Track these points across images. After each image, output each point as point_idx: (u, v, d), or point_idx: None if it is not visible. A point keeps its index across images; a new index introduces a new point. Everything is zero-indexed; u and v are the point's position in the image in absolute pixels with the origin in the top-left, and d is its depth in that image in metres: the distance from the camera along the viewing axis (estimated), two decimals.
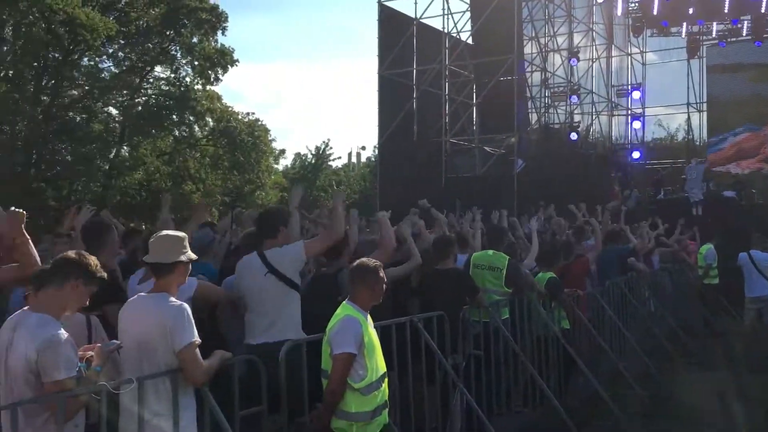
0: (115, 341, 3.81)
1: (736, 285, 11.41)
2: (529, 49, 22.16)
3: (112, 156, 30.44)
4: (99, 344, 3.81)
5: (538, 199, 14.49)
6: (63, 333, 3.56)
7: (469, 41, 21.43)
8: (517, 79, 19.24)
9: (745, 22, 23.39)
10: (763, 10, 22.04)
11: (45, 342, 3.45)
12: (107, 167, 30.07)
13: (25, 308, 3.74)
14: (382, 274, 4.46)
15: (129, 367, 3.93)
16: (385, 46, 20.42)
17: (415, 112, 21.04)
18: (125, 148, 31.26)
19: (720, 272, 12.44)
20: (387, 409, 4.48)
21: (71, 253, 3.87)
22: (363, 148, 55.05)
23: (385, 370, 4.47)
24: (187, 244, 4.18)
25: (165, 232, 4.21)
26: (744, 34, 23.82)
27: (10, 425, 3.34)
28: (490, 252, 7.42)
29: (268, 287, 5.07)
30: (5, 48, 26.55)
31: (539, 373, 7.25)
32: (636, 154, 24.13)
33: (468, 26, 21.24)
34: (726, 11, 22.26)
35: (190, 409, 4.01)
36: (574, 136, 20.64)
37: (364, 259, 4.61)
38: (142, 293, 4.11)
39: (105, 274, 3.84)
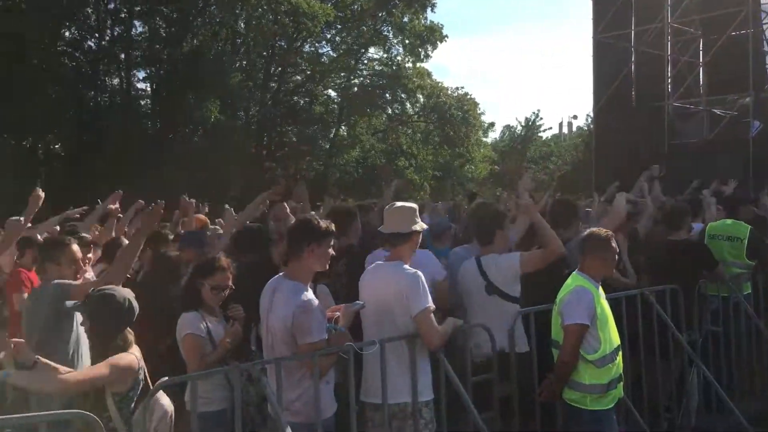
0: (358, 302, 4.09)
1: None
2: None
3: (331, 136, 32.38)
4: (344, 305, 4.12)
5: None
6: (314, 299, 3.91)
7: None
8: (752, 33, 17.37)
9: None
10: None
11: (299, 307, 3.80)
12: (328, 146, 32.05)
13: (281, 274, 4.14)
14: (614, 243, 4.34)
15: (369, 330, 4.22)
16: (599, 8, 19.43)
17: (634, 76, 19.84)
18: (343, 127, 33.07)
19: None
20: (622, 383, 4.37)
21: (299, 220, 4.22)
22: (574, 117, 53.15)
23: (618, 342, 4.36)
24: (418, 214, 4.36)
25: (398, 204, 4.43)
26: None
27: (275, 378, 3.75)
28: (729, 221, 6.86)
29: (487, 303, 4.96)
30: (239, 41, 29.15)
31: None
32: None
33: None
34: None
35: (426, 371, 4.22)
36: None
37: (595, 229, 4.51)
38: (380, 261, 4.37)
39: (333, 228, 4.04)
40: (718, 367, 6.12)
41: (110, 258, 5.43)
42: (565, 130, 51.77)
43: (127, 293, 3.63)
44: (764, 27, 19.74)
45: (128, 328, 3.56)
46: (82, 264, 4.81)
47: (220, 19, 28.87)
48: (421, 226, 4.31)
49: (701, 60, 20.16)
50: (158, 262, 5.30)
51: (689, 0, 19.57)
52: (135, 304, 3.59)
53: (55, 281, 4.53)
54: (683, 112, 19.81)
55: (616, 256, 4.39)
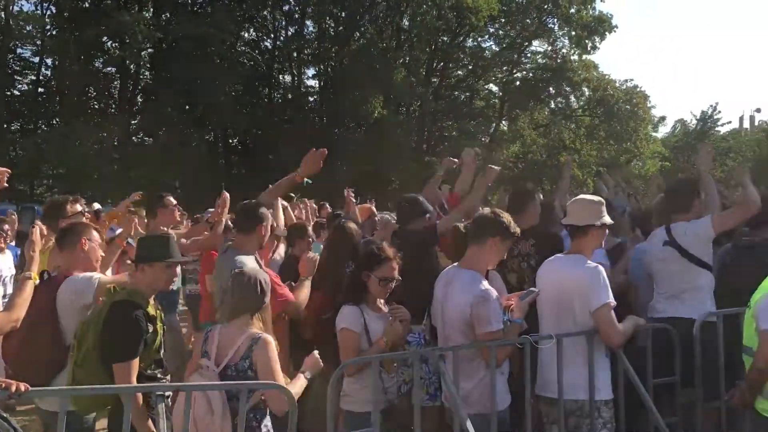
0: (533, 289, 4.05)
1: None
2: None
3: (492, 130, 32.12)
4: (518, 294, 4.09)
5: None
6: (491, 289, 3.92)
7: None
8: None
9: None
10: None
11: (478, 296, 3.83)
12: (488, 141, 31.84)
13: (456, 264, 4.19)
14: None
15: (547, 322, 4.17)
16: None
17: None
18: (504, 122, 32.70)
19: None
20: None
21: (487, 212, 4.22)
22: (758, 110, 48.83)
23: None
24: (604, 208, 4.22)
25: (582, 196, 4.33)
26: None
27: (452, 367, 3.81)
28: None
29: (669, 260, 4.92)
30: (403, 37, 29.69)
31: None
32: None
33: None
34: None
35: (604, 369, 4.10)
36: None
37: None
38: (560, 254, 4.30)
39: (519, 231, 4.10)
40: None
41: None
42: (746, 124, 47.84)
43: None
44: None
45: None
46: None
47: (386, 16, 29.56)
48: (604, 220, 4.19)
49: None
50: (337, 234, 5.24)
51: None
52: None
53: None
54: None
55: None
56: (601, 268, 4.05)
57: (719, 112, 41.35)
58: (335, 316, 4.13)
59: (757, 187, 5.03)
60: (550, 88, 31.78)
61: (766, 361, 3.93)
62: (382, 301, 4.17)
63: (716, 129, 42.14)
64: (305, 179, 4.81)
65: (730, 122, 46.52)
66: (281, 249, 5.41)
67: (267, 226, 4.55)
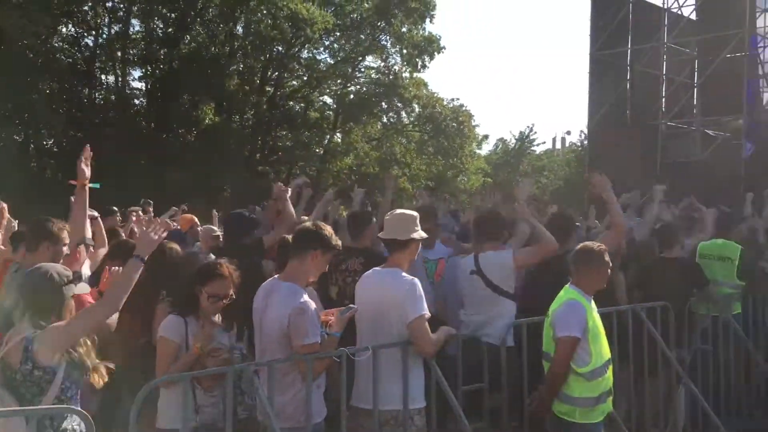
0: (352, 306, 4.10)
1: None
2: (762, 22, 20.09)
3: (326, 142, 32.37)
4: (338, 310, 4.12)
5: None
6: (310, 301, 3.92)
7: (692, 16, 19.90)
8: (747, 56, 17.57)
9: None
10: None
11: (296, 309, 3.81)
12: (322, 152, 32.03)
13: (276, 276, 4.15)
14: (607, 258, 4.36)
15: (364, 335, 4.23)
16: (597, 25, 19.59)
17: (629, 94, 20.01)
18: (338, 134, 33.08)
19: None
20: (611, 397, 4.39)
21: (309, 225, 4.23)
22: (568, 132, 53.33)
23: (609, 356, 4.38)
24: (419, 222, 4.36)
25: (399, 210, 4.45)
26: None
27: (267, 380, 3.74)
28: (720, 241, 6.91)
29: (476, 286, 5.16)
30: (236, 44, 29.16)
31: None
32: None
33: (691, 0, 19.73)
34: None
35: (418, 378, 4.23)
36: None
37: (588, 243, 4.54)
38: (377, 268, 4.38)
39: (340, 243, 4.15)
40: (705, 385, 6.15)
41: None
42: (558, 145, 52.02)
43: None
44: (759, 50, 19.98)
45: None
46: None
47: (219, 22, 28.88)
48: (420, 234, 4.33)
49: (696, 81, 20.36)
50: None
51: (686, 21, 19.78)
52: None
53: None
54: (676, 131, 19.97)
55: (609, 270, 4.40)
56: (416, 280, 4.19)
57: (535, 132, 44.64)
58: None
59: (566, 206, 5.49)
60: (383, 103, 32.60)
61: (561, 366, 4.25)
62: (218, 317, 4.04)
63: (532, 148, 45.40)
64: (92, 183, 4.59)
65: (544, 142, 50.35)
66: (88, 263, 5.07)
67: (55, 244, 4.37)
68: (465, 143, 34.53)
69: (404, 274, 4.20)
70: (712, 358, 6.27)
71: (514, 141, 45.00)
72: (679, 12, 19.98)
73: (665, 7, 19.76)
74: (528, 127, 47.56)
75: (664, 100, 19.90)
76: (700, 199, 9.65)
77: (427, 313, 4.15)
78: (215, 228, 7.44)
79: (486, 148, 44.84)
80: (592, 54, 19.74)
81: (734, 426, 6.05)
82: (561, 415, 4.28)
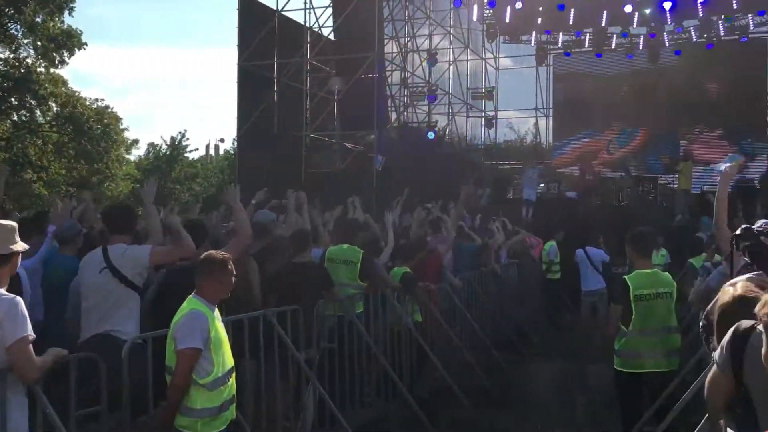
0: None
1: (575, 280, 12.16)
2: (390, 48, 22.52)
3: None
4: None
5: (397, 196, 14.77)
6: None
7: (331, 37, 21.45)
8: (377, 78, 19.48)
9: (588, 34, 25.05)
10: (603, 24, 23.71)
11: None
12: None
13: None
14: (230, 266, 4.33)
15: None
16: (244, 36, 19.99)
17: (276, 106, 20.77)
18: None
19: (562, 268, 13.21)
20: (234, 404, 4.36)
21: None
22: (222, 140, 53.52)
23: (232, 364, 4.35)
24: (17, 233, 3.88)
25: None
26: (586, 46, 25.51)
27: None
28: (345, 246, 7.44)
29: (104, 283, 4.96)
30: None
31: (392, 365, 7.38)
32: (488, 155, 25.23)
33: (330, 22, 21.25)
34: (570, 23, 23.71)
35: (20, 407, 3.74)
36: (431, 135, 21.20)
37: (211, 252, 4.47)
38: None
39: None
40: (332, 382, 6.53)
41: None
42: (212, 152, 51.93)
43: None
44: (388, 73, 22.33)
45: None
46: None
47: None
48: (21, 246, 3.86)
49: (335, 96, 21.96)
50: None
51: (326, 41, 21.20)
52: None
53: None
54: (319, 143, 21.32)
55: (233, 278, 4.38)
56: (19, 299, 3.71)
57: (188, 139, 43.85)
58: None
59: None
60: (12, 99, 29.03)
61: (182, 378, 4.10)
62: None
63: (185, 154, 44.54)
64: None
65: (197, 149, 49.80)
66: None
67: None
68: (112, 147, 32.49)
69: (3, 291, 3.70)
70: (338, 356, 6.69)
71: (165, 146, 43.65)
72: (320, 31, 21.36)
73: (307, 25, 20.95)
74: (180, 132, 46.54)
75: (308, 113, 21.06)
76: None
77: (32, 335, 3.68)
78: None
79: (136, 153, 42.82)
80: (240, 64, 20.06)
81: (356, 417, 6.53)
82: (182, 428, 4.12)
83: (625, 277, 6.01)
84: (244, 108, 20.24)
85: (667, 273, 6.43)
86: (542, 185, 20.40)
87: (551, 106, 26.93)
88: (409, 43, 23.55)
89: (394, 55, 22.82)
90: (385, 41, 21.58)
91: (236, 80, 20.28)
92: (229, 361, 4.30)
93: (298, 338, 6.07)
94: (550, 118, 27.23)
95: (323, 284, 6.70)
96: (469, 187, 13.76)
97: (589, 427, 6.96)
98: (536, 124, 28.11)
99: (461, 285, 9.49)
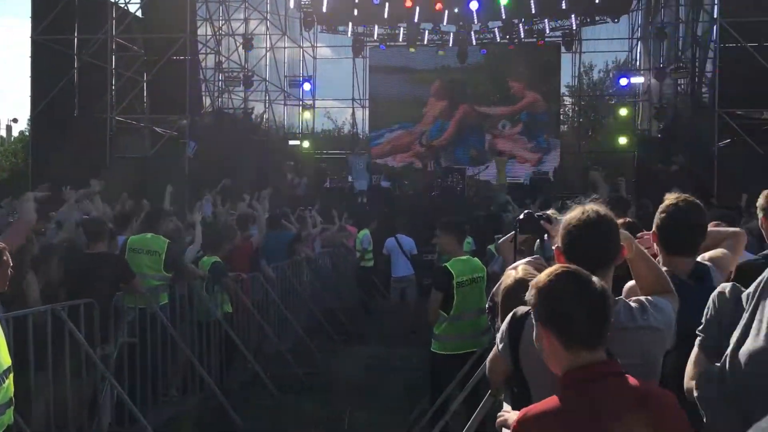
0: None
1: (386, 267, 12.53)
2: (204, 30, 21.71)
3: None
4: None
5: (211, 184, 14.32)
6: None
7: (139, 14, 20.24)
8: (189, 60, 18.68)
9: (401, 28, 25.77)
10: (416, 20, 24.50)
11: None
12: None
13: None
14: (6, 257, 3.91)
15: None
16: (39, 7, 18.29)
17: (77, 85, 19.21)
18: None
19: (375, 255, 13.54)
20: (12, 408, 3.95)
21: None
22: (15, 120, 48.71)
23: (9, 364, 3.93)
24: None
25: None
26: (400, 40, 26.25)
27: None
28: (149, 235, 7.06)
29: None
30: None
31: (200, 358, 7.14)
32: (306, 144, 25.19)
33: None
34: (385, 17, 24.26)
35: None
36: (247, 122, 20.77)
37: None
38: None
39: None
40: (133, 379, 6.17)
41: None
42: (3, 133, 47.16)
43: None
44: (201, 57, 21.53)
45: None
46: None
47: None
48: None
49: (144, 78, 20.76)
50: None
51: (132, 18, 19.97)
52: None
53: None
54: (126, 126, 20.05)
55: (10, 271, 3.96)
56: None
57: None
58: None
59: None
60: None
61: None
62: None
63: None
64: None
65: None
66: None
67: None
68: None
69: None
70: (140, 350, 6.33)
71: None
72: (126, 7, 20.06)
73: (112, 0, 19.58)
74: None
75: (113, 94, 19.71)
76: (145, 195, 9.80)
77: None
78: None
79: None
80: (34, 38, 18.35)
81: (160, 413, 6.23)
82: None
83: (447, 264, 6.13)
84: (39, 86, 18.55)
85: (476, 259, 6.74)
86: (368, 175, 20.79)
87: (367, 97, 27.45)
88: (224, 27, 22.87)
89: (209, 38, 22.04)
90: (199, 23, 20.77)
91: (29, 55, 18.54)
92: (6, 361, 3.88)
93: (92, 334, 5.65)
94: (366, 110, 27.76)
95: (122, 275, 6.30)
96: (283, 176, 13.65)
97: (397, 407, 7.18)
98: (353, 114, 28.54)
99: (273, 276, 9.40)
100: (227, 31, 22.95)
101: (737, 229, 3.53)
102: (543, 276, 2.15)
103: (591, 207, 2.50)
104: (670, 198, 3.12)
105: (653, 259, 2.68)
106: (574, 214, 2.51)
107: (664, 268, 2.93)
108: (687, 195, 3.16)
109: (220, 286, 7.67)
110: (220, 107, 22.21)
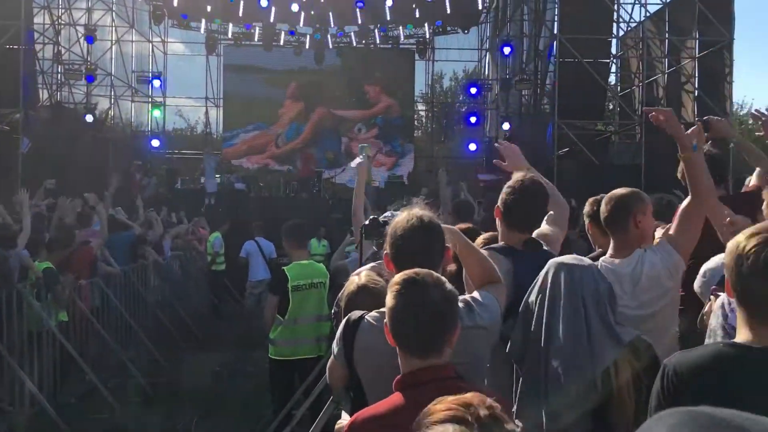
0: None
1: (240, 271, 12.25)
2: (41, 19, 20.22)
3: None
4: None
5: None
6: None
7: None
8: (24, 50, 17.30)
9: (257, 27, 25.34)
10: (272, 20, 24.19)
11: None
12: None
13: None
14: None
15: None
16: None
17: None
18: None
19: (227, 259, 13.20)
20: None
21: None
22: None
23: None
24: None
25: None
26: (256, 40, 25.80)
27: None
28: None
29: None
30: None
31: (31, 371, 6.61)
32: (156, 143, 24.12)
33: None
34: (240, 15, 23.77)
35: None
36: (90, 118, 19.54)
37: None
38: None
39: None
40: None
41: None
42: None
43: None
44: (38, 47, 20.03)
45: None
46: None
47: None
48: None
49: None
50: None
51: None
52: None
53: None
54: None
55: None
56: None
57: None
58: None
59: None
60: None
61: None
62: None
63: None
64: None
65: None
66: None
67: None
68: None
69: None
70: None
71: None
72: None
73: None
74: None
75: None
76: None
77: None
78: None
79: None
80: None
81: None
82: None
83: (284, 268, 6.11)
84: None
85: (321, 264, 6.70)
86: (218, 176, 20.25)
87: (221, 96, 26.74)
88: (64, 16, 21.40)
89: (47, 27, 20.55)
90: (35, 11, 19.32)
91: None
92: None
93: None
94: (221, 109, 27.05)
95: None
96: (119, 176, 12.94)
97: (244, 413, 7.01)
98: (207, 113, 27.70)
99: (118, 269, 8.92)
100: (68, 20, 21.50)
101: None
102: (389, 291, 2.19)
103: (415, 212, 2.57)
104: (517, 176, 3.30)
105: (482, 252, 2.79)
106: (399, 220, 2.57)
107: (502, 242, 3.19)
108: (533, 175, 3.37)
109: (53, 293, 7.13)
110: (59, 101, 20.76)
